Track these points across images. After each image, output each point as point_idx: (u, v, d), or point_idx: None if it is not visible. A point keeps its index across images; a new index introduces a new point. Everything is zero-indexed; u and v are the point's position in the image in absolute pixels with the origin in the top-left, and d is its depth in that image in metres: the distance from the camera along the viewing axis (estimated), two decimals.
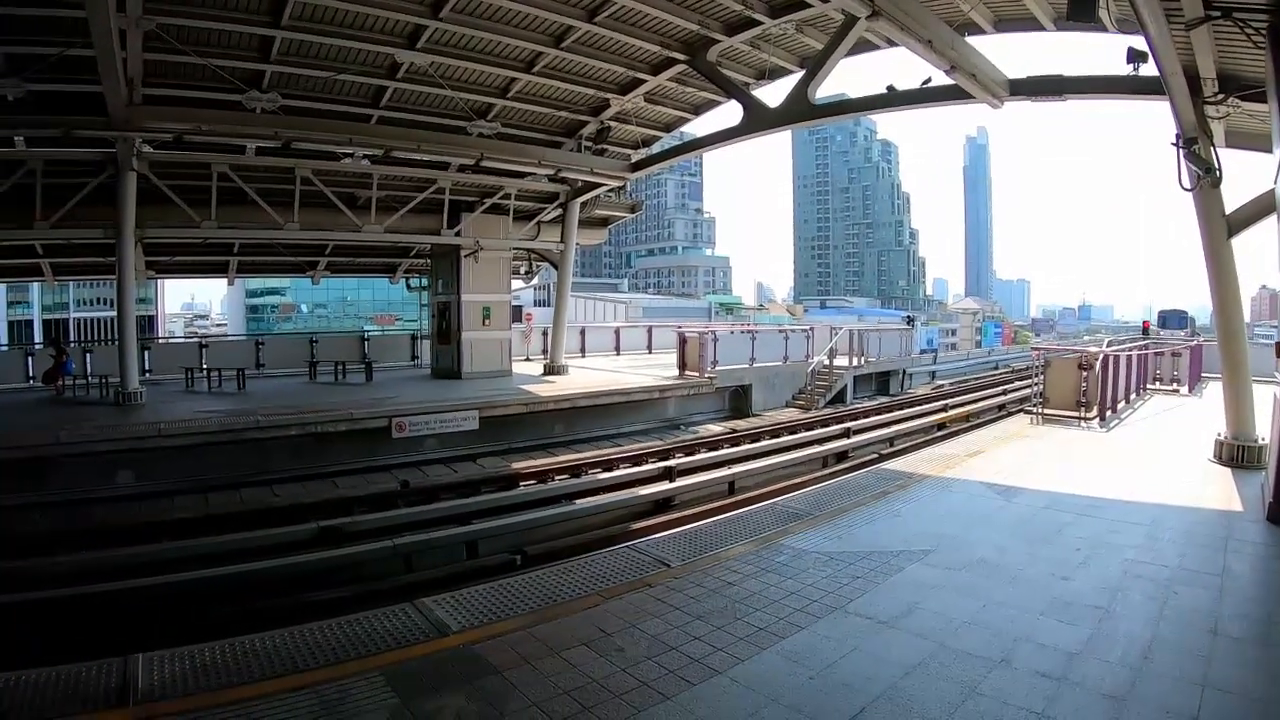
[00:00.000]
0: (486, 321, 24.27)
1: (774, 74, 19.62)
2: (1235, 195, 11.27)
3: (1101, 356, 15.93)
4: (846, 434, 20.22)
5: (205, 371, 21.87)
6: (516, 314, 31.06)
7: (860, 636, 5.44)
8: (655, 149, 24.08)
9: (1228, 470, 11.20)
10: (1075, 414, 15.63)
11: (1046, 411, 16.02)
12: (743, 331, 29.48)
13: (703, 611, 5.86)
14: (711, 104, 21.77)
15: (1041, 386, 16.48)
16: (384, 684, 4.80)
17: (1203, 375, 22.97)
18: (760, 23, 16.59)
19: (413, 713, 4.48)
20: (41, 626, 7.93)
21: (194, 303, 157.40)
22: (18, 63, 13.79)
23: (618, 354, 33.49)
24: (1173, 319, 56.23)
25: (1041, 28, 14.36)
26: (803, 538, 7.83)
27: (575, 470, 15.65)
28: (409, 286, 29.84)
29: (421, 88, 17.86)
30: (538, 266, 29.18)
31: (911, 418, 23.50)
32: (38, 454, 13.21)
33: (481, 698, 4.64)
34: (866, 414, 23.98)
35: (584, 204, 25.35)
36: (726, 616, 5.76)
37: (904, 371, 32.77)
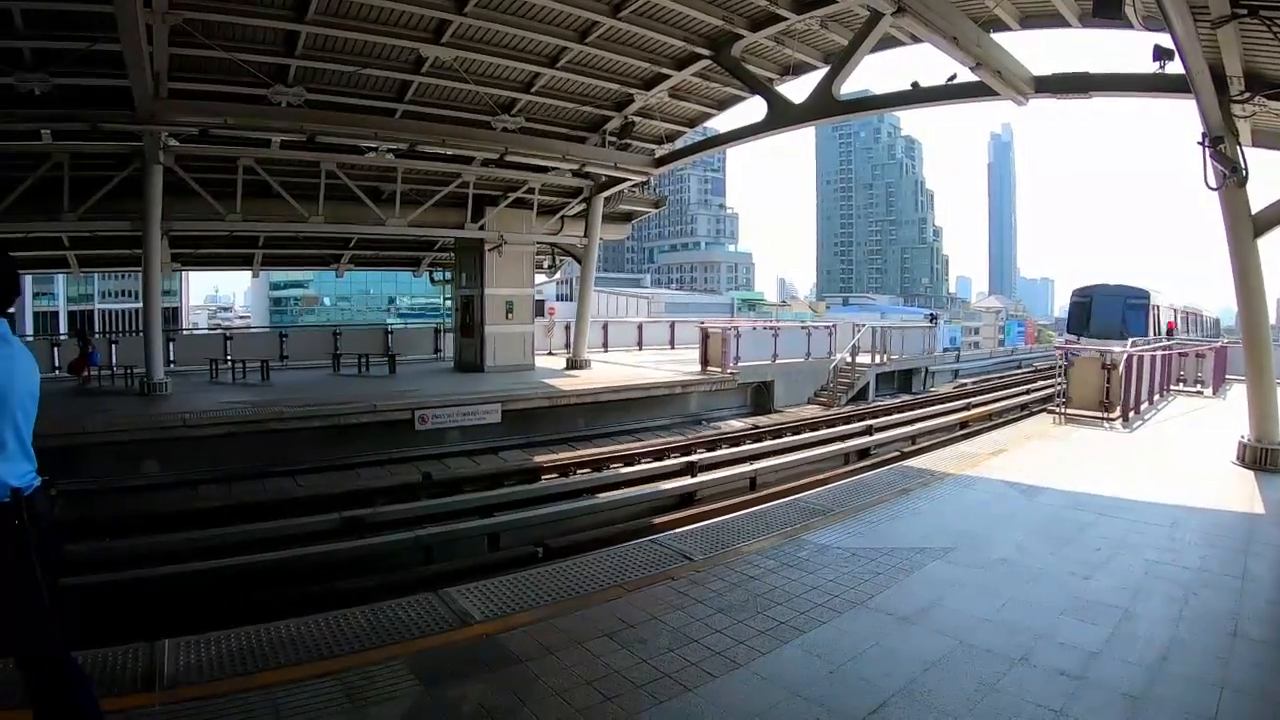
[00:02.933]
0: (509, 315, 24.40)
1: (798, 70, 19.56)
2: (1262, 195, 11.22)
3: (1125, 356, 15.85)
4: (868, 431, 20.18)
5: (230, 363, 22.10)
6: (539, 308, 31.16)
7: (881, 632, 5.47)
8: (679, 144, 23.95)
9: (1250, 473, 11.13)
10: (1098, 414, 15.55)
11: (1069, 411, 15.96)
12: (765, 328, 29.47)
13: (724, 605, 5.90)
14: (735, 99, 21.73)
15: (1064, 386, 16.42)
16: (408, 671, 4.86)
17: (1227, 377, 22.78)
18: (785, 18, 16.57)
19: (436, 700, 4.54)
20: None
21: (218, 295, 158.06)
22: (45, 57, 13.96)
23: (640, 349, 33.52)
24: (1104, 308, 35.46)
25: (1067, 24, 14.30)
26: (825, 533, 7.86)
27: (597, 465, 15.72)
28: (433, 280, 29.99)
29: (446, 82, 17.93)
30: (561, 261, 29.27)
31: (934, 416, 23.44)
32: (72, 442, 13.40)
33: (504, 686, 4.69)
34: (889, 411, 23.91)
35: (607, 199, 25.39)
36: (748, 610, 5.79)
37: (926, 369, 32.62)
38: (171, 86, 15.30)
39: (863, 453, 18.26)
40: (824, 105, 17.69)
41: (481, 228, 23.15)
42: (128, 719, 4.16)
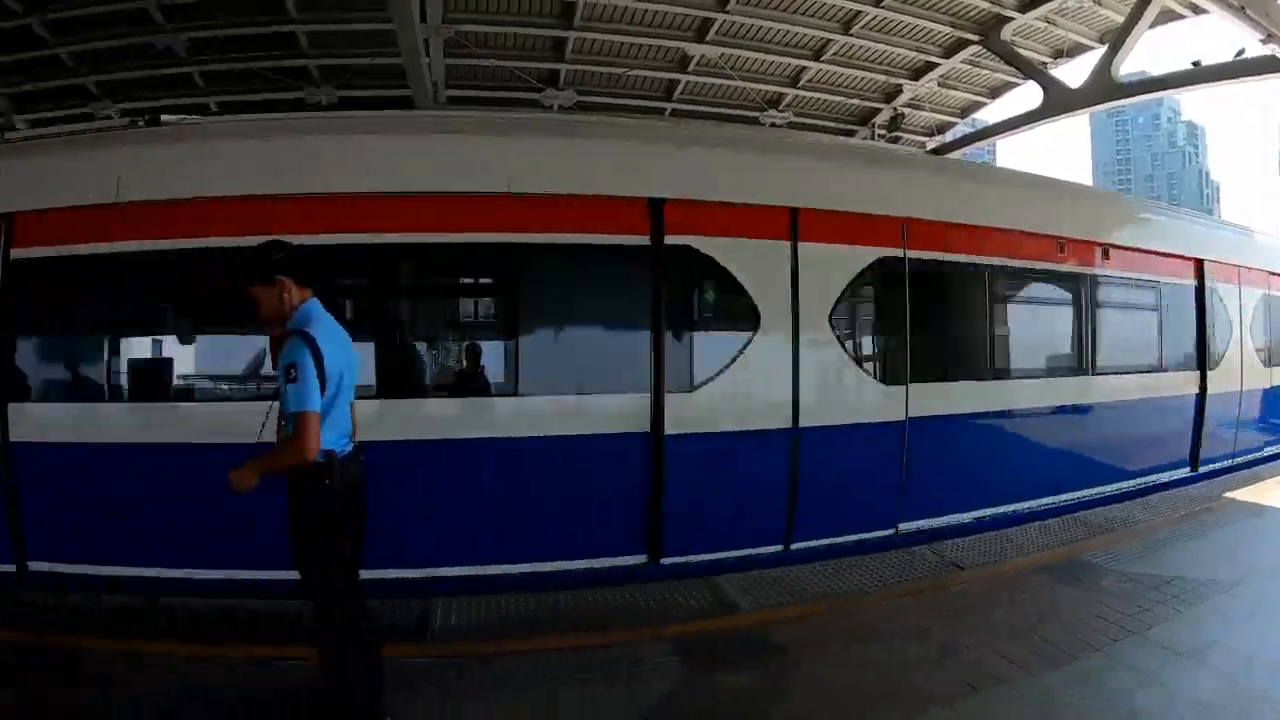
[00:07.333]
0: None
1: (1071, 52, 18.66)
2: None
3: None
4: None
5: None
6: None
7: (1156, 666, 5.10)
8: (949, 136, 23.18)
9: None
10: None
11: None
12: None
13: (994, 620, 5.74)
14: (1008, 86, 20.86)
15: None
16: (674, 653, 5.05)
17: None
18: None
19: (700, 682, 4.71)
20: None
21: None
22: (330, 72, 15.47)
23: None
24: None
25: None
26: (1100, 554, 7.40)
27: None
28: None
29: (713, 80, 18.30)
30: None
31: None
32: None
33: (766, 677, 4.80)
34: None
35: None
36: (1017, 628, 5.58)
37: None
38: (449, 94, 16.47)
39: None
40: (1102, 88, 16.83)
41: None
42: (399, 666, 4.49)
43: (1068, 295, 9.69)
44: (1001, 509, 8.60)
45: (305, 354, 3.78)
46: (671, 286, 6.92)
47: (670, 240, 6.80)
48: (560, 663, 4.88)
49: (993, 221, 8.63)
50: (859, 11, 16.19)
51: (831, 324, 7.43)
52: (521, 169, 6.71)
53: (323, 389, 3.80)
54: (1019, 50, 17.81)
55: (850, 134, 21.46)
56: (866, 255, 7.62)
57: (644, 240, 6.77)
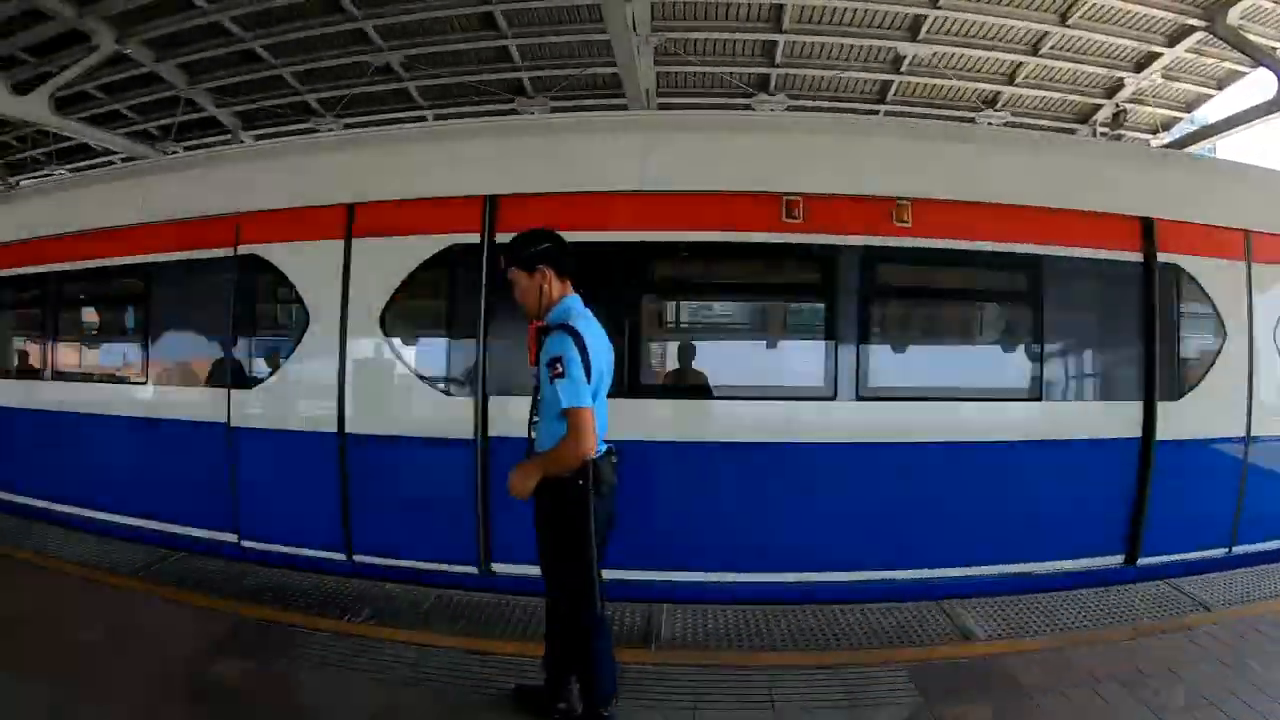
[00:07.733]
0: None
1: None
2: None
3: None
4: None
5: None
6: None
7: None
8: (1176, 133, 21.50)
9: None
10: None
11: None
12: None
13: (1244, 667, 5.42)
14: (1234, 76, 19.18)
15: None
16: (907, 680, 4.96)
17: None
18: None
19: (935, 714, 4.62)
20: None
21: None
22: (542, 84, 16.06)
23: None
24: None
25: None
26: None
27: None
28: None
29: (925, 79, 17.98)
30: None
31: None
32: None
33: (1006, 714, 4.68)
34: None
35: None
36: (1269, 677, 5.28)
37: None
38: (660, 102, 16.84)
39: None
40: None
41: None
42: (624, 671, 4.60)
43: (806, 280, 7.47)
44: (651, 575, 6.42)
45: (572, 348, 3.81)
46: (243, 293, 7.65)
47: (242, 250, 7.47)
48: (785, 681, 4.94)
49: (632, 184, 6.93)
50: (1075, 0, 15.47)
51: (385, 325, 7.13)
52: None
53: None
54: (1247, 35, 16.47)
55: (1071, 133, 20.26)
56: (430, 246, 6.98)
57: (228, 252, 7.52)
